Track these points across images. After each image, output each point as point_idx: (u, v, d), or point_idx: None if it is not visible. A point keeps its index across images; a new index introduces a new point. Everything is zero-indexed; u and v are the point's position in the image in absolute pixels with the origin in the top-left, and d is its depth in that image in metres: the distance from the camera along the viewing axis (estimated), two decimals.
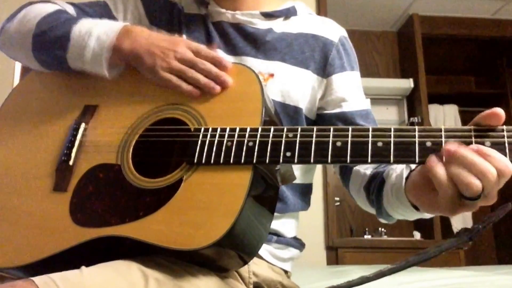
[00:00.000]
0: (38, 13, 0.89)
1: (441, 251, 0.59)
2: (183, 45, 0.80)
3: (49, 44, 0.85)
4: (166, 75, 0.79)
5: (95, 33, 0.82)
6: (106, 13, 0.99)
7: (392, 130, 0.65)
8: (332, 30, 1.01)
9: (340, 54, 0.98)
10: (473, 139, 0.60)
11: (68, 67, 0.85)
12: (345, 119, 0.95)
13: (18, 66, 2.68)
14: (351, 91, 0.97)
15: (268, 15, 0.98)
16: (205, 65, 0.79)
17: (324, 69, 0.96)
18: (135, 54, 0.81)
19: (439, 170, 0.58)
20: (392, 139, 0.64)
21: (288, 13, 1.01)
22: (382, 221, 0.89)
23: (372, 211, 0.90)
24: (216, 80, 0.78)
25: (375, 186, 0.86)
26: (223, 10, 0.97)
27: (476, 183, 0.56)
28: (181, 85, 0.79)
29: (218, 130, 0.72)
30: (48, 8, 0.91)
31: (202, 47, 0.81)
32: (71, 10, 0.96)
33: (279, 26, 0.98)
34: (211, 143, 0.71)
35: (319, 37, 0.98)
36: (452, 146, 0.59)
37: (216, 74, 0.78)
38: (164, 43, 0.80)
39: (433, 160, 0.59)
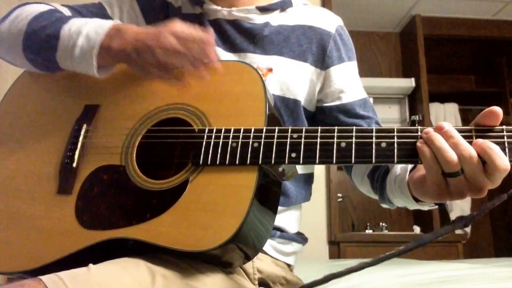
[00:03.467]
0: (30, 12, 0.87)
1: (437, 237, 0.60)
2: (166, 33, 0.75)
3: (39, 43, 0.82)
4: (154, 71, 0.77)
5: (84, 31, 0.79)
6: (101, 14, 0.98)
7: (395, 130, 0.65)
8: (329, 20, 1.00)
9: (338, 45, 0.98)
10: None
11: (58, 67, 0.83)
12: (345, 110, 0.96)
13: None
14: (349, 82, 0.97)
15: (264, 9, 0.97)
16: (190, 49, 0.75)
17: (323, 62, 0.96)
18: (124, 52, 0.78)
19: (426, 148, 0.62)
20: (395, 140, 0.64)
21: (284, 5, 1.00)
22: (384, 206, 0.91)
23: (375, 197, 0.92)
24: (204, 60, 0.76)
25: (380, 175, 0.87)
26: (219, 8, 0.96)
27: (454, 158, 0.60)
28: (170, 80, 0.77)
29: (223, 130, 0.72)
30: (41, 8, 0.89)
31: (186, 30, 0.76)
32: (66, 12, 0.95)
33: (275, 19, 0.98)
34: (216, 144, 0.71)
35: (316, 28, 0.97)
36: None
37: (202, 53, 0.75)
38: (149, 38, 0.76)
39: (421, 141, 0.63)
